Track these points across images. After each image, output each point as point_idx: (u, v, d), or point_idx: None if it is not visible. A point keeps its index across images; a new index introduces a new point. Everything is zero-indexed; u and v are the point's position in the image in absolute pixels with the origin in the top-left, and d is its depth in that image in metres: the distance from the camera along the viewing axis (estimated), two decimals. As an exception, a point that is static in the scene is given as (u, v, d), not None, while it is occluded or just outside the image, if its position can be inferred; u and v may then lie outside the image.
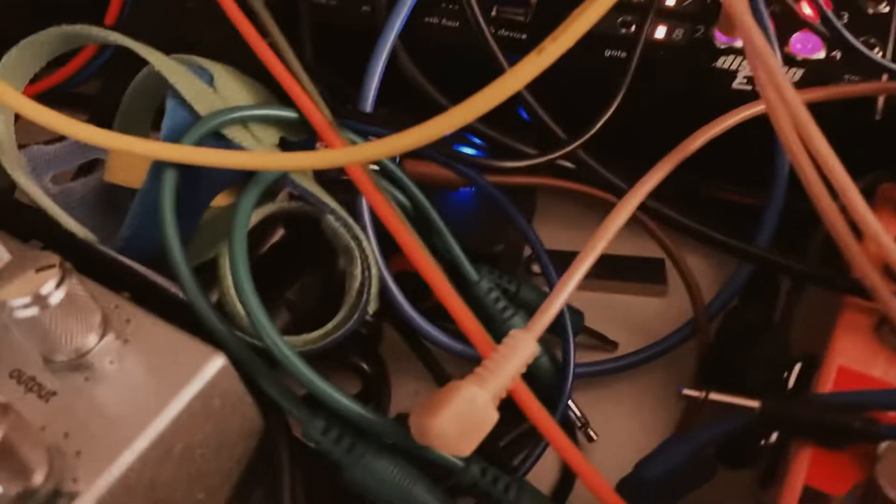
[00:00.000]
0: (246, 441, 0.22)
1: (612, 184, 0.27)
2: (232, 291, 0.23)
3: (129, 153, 0.23)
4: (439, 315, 0.29)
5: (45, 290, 0.18)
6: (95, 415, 0.19)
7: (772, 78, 0.22)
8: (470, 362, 0.28)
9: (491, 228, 0.31)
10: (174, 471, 0.20)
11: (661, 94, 0.32)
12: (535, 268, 0.34)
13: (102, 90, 0.32)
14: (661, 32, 0.32)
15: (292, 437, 0.23)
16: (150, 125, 0.28)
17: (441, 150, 0.28)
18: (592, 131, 0.26)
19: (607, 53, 0.32)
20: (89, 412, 0.19)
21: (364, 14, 0.35)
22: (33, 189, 0.23)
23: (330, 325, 0.24)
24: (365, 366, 0.27)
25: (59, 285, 0.18)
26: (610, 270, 0.33)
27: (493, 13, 0.34)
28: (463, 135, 0.31)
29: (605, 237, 0.24)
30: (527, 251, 0.34)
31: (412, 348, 0.29)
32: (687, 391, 0.22)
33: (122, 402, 0.19)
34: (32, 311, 0.18)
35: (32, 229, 0.25)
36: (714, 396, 0.22)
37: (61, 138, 0.27)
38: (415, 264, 0.24)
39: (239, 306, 0.23)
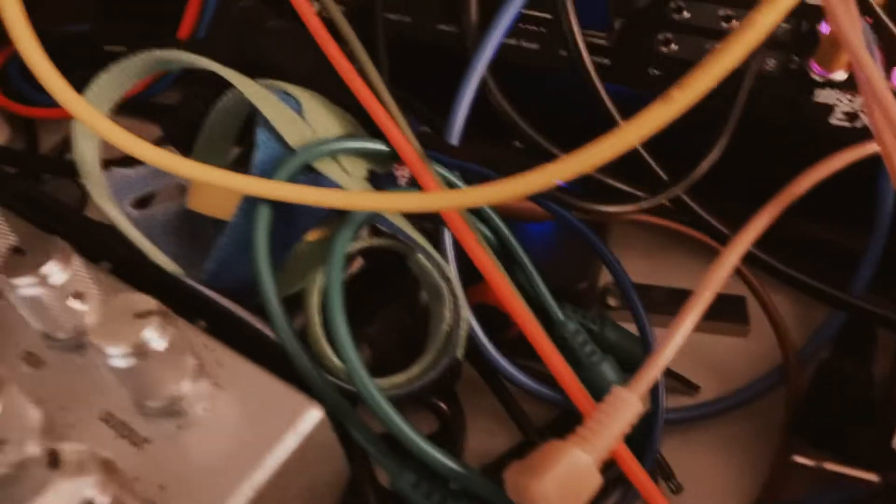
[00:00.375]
0: (333, 491, 0.21)
1: (715, 228, 0.25)
2: (318, 329, 0.22)
3: (225, 188, 0.22)
4: (516, 350, 0.28)
5: (145, 340, 0.18)
6: (190, 466, 0.18)
7: (891, 123, 0.21)
8: (549, 404, 0.28)
9: (573, 263, 0.30)
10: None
11: (752, 129, 0.31)
12: (611, 301, 0.33)
13: (182, 104, 0.31)
14: (752, 61, 0.31)
15: (378, 486, 0.22)
16: (231, 146, 0.28)
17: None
18: (699, 174, 0.25)
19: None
20: (184, 463, 0.18)
21: (440, 32, 0.35)
22: (119, 218, 0.23)
23: (417, 370, 0.23)
24: (443, 405, 0.26)
25: (159, 334, 0.18)
26: (681, 306, 0.32)
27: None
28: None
29: (711, 289, 0.23)
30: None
31: (490, 386, 0.28)
32: (800, 459, 0.21)
33: (217, 453, 0.18)
34: (131, 362, 0.18)
35: (103, 249, 0.24)
36: (830, 467, 0.20)
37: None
38: (505, 306, 0.23)
39: (323, 343, 0.22)
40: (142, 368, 0.18)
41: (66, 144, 0.36)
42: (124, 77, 0.23)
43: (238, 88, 0.24)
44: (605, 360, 0.26)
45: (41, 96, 0.36)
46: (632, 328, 0.28)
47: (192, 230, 0.26)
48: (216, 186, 0.23)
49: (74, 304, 0.20)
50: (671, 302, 0.32)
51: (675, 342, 0.21)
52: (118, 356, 0.18)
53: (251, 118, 0.28)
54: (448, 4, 0.35)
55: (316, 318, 0.22)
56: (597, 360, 0.26)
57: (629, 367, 0.27)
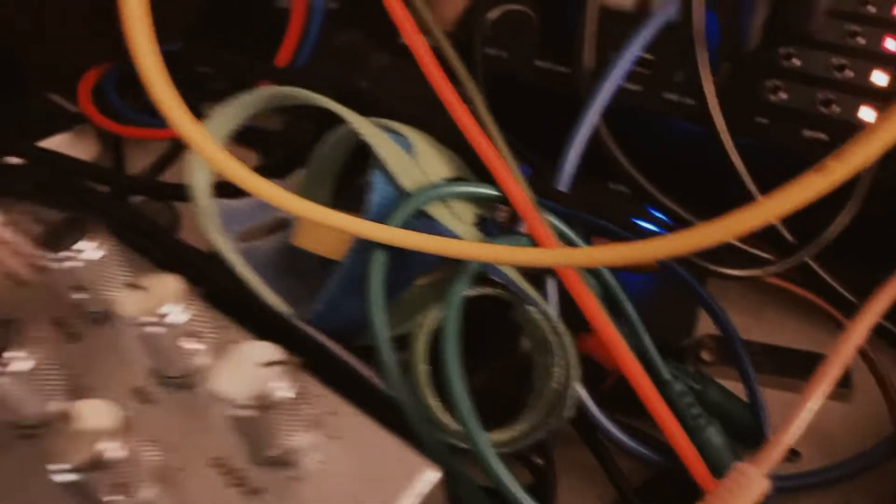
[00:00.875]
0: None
1: (841, 296, 0.24)
2: (423, 377, 0.22)
3: (338, 229, 0.21)
4: (609, 404, 0.27)
5: (269, 392, 0.17)
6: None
7: None
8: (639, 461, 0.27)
9: (672, 316, 0.29)
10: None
11: (883, 193, 0.29)
12: (705, 355, 0.31)
13: (285, 136, 0.31)
14: (867, 114, 0.30)
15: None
16: (334, 182, 0.27)
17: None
18: (827, 238, 0.24)
19: (806, 134, 0.30)
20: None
21: (538, 69, 0.34)
22: (229, 251, 0.23)
23: (524, 427, 0.22)
24: (539, 460, 0.26)
25: (285, 386, 0.17)
26: (783, 365, 0.31)
27: (678, 79, 0.32)
28: (645, 209, 0.29)
29: (840, 361, 0.21)
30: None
31: (586, 442, 0.27)
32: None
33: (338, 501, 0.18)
34: (252, 412, 0.17)
35: (199, 277, 0.24)
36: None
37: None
38: (618, 363, 0.22)
39: (426, 391, 0.22)
40: (261, 419, 0.17)
41: (158, 166, 0.36)
42: (241, 111, 0.23)
43: (349, 126, 0.24)
44: (711, 425, 0.25)
45: (137, 115, 0.37)
46: (729, 384, 0.27)
47: (293, 266, 0.26)
48: (321, 225, 0.23)
49: (190, 343, 0.20)
50: (771, 360, 0.30)
51: (802, 418, 0.20)
52: (239, 406, 0.17)
53: (355, 154, 0.28)
54: (547, 41, 0.35)
55: (421, 366, 0.22)
56: (703, 424, 0.25)
57: (733, 430, 0.26)
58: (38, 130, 0.39)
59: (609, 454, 0.27)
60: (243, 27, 0.42)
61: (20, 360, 0.19)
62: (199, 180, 0.23)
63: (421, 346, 0.22)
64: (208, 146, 0.21)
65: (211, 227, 0.23)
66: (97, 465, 0.16)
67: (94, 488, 0.17)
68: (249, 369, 0.17)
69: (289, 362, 0.18)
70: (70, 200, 0.25)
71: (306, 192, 0.26)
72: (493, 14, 0.36)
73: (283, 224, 0.27)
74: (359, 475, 0.19)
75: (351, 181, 0.28)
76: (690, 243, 0.18)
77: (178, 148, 0.36)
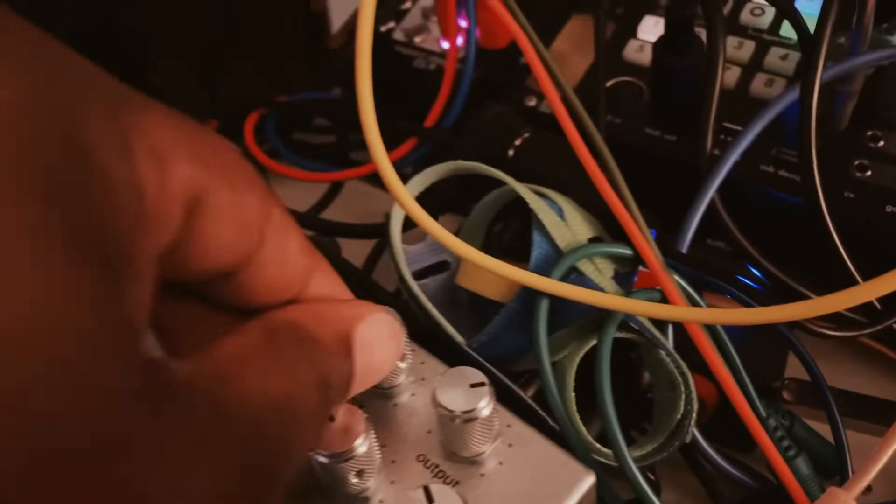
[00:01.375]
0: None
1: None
2: (571, 401, 0.27)
3: (505, 277, 0.27)
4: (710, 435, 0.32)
5: (477, 407, 0.23)
6: (494, 506, 0.23)
7: None
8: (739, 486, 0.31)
9: (764, 360, 0.33)
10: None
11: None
12: (787, 395, 0.36)
13: (442, 189, 0.36)
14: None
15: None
16: (483, 234, 0.33)
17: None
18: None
19: (888, 209, 0.35)
20: (489, 502, 0.23)
21: (647, 135, 0.39)
22: (418, 291, 0.28)
23: (650, 448, 0.27)
24: (651, 475, 0.30)
25: (486, 403, 0.23)
26: (859, 410, 0.35)
27: (773, 153, 0.37)
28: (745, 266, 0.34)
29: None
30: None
31: (689, 464, 0.32)
32: None
33: (514, 498, 0.23)
34: (459, 422, 0.23)
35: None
36: None
37: (421, 238, 0.31)
38: (733, 401, 0.27)
39: (575, 414, 0.27)
40: (467, 428, 0.23)
41: (318, 207, 0.42)
42: (430, 176, 0.29)
43: (505, 189, 0.29)
44: (799, 456, 0.29)
45: (294, 158, 0.43)
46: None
47: (453, 300, 0.31)
48: (490, 272, 0.28)
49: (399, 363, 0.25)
50: (849, 404, 0.35)
51: (885, 454, 0.25)
52: (454, 417, 0.22)
53: (501, 212, 0.33)
54: (656, 111, 0.40)
55: (571, 394, 0.27)
56: (792, 455, 0.29)
57: (814, 463, 0.31)
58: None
59: (709, 475, 0.31)
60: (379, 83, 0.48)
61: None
62: (395, 230, 0.28)
63: (571, 376, 0.27)
64: (408, 199, 0.27)
65: (403, 267, 0.28)
66: (350, 455, 0.22)
67: (345, 472, 0.22)
68: (464, 388, 0.23)
69: (487, 384, 0.23)
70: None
71: (465, 240, 0.31)
72: (608, 83, 0.41)
73: (443, 266, 0.32)
74: (530, 477, 0.24)
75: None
76: (806, 311, 0.23)
77: (334, 191, 0.42)
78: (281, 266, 0.19)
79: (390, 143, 0.40)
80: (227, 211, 0.17)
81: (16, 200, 0.12)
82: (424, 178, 0.29)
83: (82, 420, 0.12)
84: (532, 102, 0.41)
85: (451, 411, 0.22)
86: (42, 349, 0.12)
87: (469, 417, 0.23)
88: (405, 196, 0.26)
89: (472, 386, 0.23)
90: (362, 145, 0.45)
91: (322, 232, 0.37)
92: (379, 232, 0.39)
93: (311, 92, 0.49)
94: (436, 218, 0.34)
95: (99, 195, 0.13)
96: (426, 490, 0.21)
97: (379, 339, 0.20)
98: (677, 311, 0.26)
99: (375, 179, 0.43)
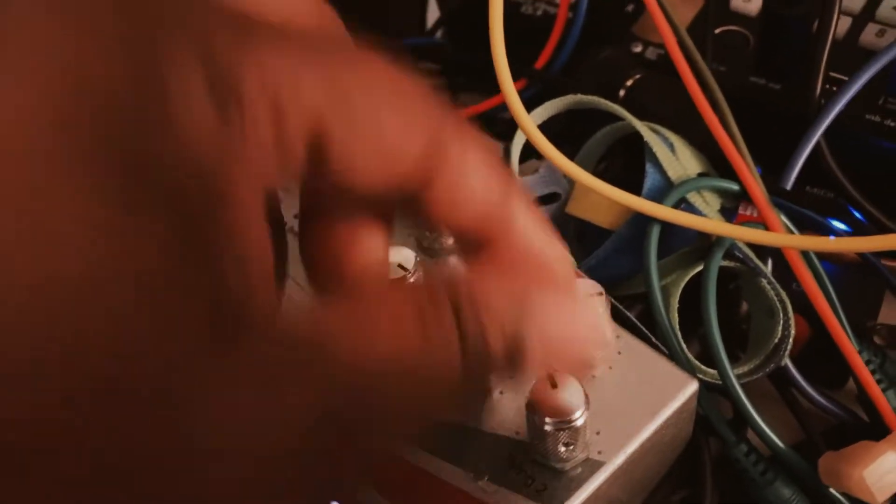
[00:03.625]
0: (678, 450, 0.28)
1: None
2: (675, 322, 0.29)
3: (620, 204, 0.29)
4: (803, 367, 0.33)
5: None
6: (605, 407, 0.25)
7: None
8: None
9: (859, 302, 0.35)
10: (647, 462, 0.26)
11: None
12: (877, 339, 0.37)
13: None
14: None
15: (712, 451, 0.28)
16: (594, 165, 0.35)
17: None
18: None
19: None
20: (599, 402, 0.25)
21: (752, 84, 0.40)
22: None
23: (745, 369, 0.29)
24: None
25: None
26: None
27: (881, 102, 0.38)
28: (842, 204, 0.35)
29: None
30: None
31: (780, 393, 0.33)
32: None
33: (622, 399, 0.25)
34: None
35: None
36: None
37: (536, 170, 0.34)
38: (838, 341, 0.29)
39: (671, 334, 0.29)
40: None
41: None
42: (550, 109, 0.31)
43: (620, 125, 0.31)
44: (890, 388, 0.31)
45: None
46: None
47: (559, 231, 0.33)
48: (598, 197, 0.30)
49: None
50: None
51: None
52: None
53: (612, 147, 0.35)
54: (762, 61, 0.41)
55: (675, 316, 0.29)
56: (884, 387, 0.31)
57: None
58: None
59: (799, 404, 0.33)
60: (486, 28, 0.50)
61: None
62: (514, 157, 0.31)
63: (676, 299, 0.29)
64: (531, 126, 0.29)
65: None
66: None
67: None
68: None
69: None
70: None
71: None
72: (715, 31, 0.42)
73: (552, 198, 0.34)
74: (637, 381, 0.26)
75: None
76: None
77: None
78: (459, 207, 0.16)
79: (496, 88, 0.42)
80: (363, 150, 0.15)
81: (82, 168, 0.12)
82: (545, 111, 0.31)
83: (143, 366, 0.12)
84: (638, 49, 0.43)
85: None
86: (107, 296, 0.12)
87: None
88: (529, 123, 0.28)
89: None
90: (466, 88, 0.48)
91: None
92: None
93: (416, 37, 0.52)
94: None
95: (172, 147, 0.13)
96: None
97: (567, 325, 0.16)
98: (784, 238, 0.28)
99: (477, 124, 0.45)
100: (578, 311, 0.17)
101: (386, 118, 0.15)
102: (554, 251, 0.18)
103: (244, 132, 0.14)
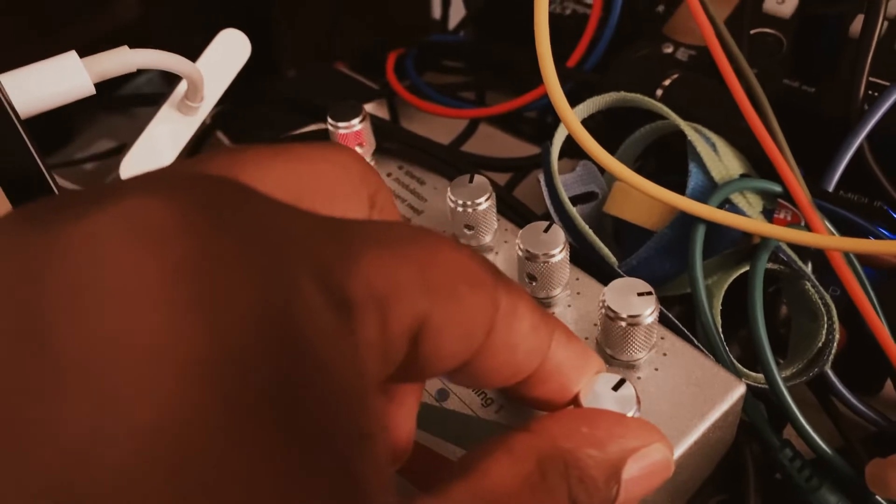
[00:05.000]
0: (721, 453, 0.27)
1: None
2: (718, 322, 0.29)
3: (663, 203, 0.28)
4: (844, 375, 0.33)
5: (643, 313, 0.24)
6: (652, 408, 0.25)
7: None
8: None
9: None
10: (691, 465, 0.25)
11: None
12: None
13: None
14: None
15: (754, 451, 0.28)
16: (633, 163, 0.34)
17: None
18: None
19: None
20: (645, 404, 0.25)
21: (785, 86, 0.40)
22: (576, 214, 0.30)
23: (791, 372, 0.29)
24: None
25: (651, 311, 0.25)
26: None
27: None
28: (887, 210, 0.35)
29: None
30: None
31: (819, 400, 0.33)
32: None
33: (668, 401, 0.25)
34: (623, 324, 0.25)
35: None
36: None
37: (572, 168, 0.33)
38: (883, 344, 0.28)
39: (716, 335, 0.29)
40: (631, 332, 0.25)
41: (457, 143, 0.44)
42: (591, 107, 0.31)
43: (660, 124, 0.31)
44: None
45: (436, 95, 0.45)
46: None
47: (596, 230, 0.33)
48: (636, 197, 0.30)
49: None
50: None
51: None
52: (622, 321, 0.24)
53: (650, 146, 0.35)
54: (796, 63, 0.40)
55: (718, 317, 0.29)
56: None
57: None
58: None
59: (839, 411, 0.33)
60: (512, 26, 0.49)
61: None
62: (554, 153, 0.30)
63: (719, 301, 0.28)
64: (575, 121, 0.28)
65: (561, 190, 0.30)
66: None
67: None
68: (632, 296, 0.25)
69: (654, 293, 0.25)
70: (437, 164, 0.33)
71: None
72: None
73: (590, 197, 0.34)
74: (684, 383, 0.26)
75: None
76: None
77: (472, 128, 0.44)
78: (511, 350, 0.18)
79: (521, 86, 0.41)
80: (451, 327, 0.16)
81: (253, 438, 0.11)
82: (586, 108, 0.30)
83: None
84: (669, 50, 0.42)
85: (617, 314, 0.24)
86: None
87: (634, 322, 0.25)
88: (573, 119, 0.28)
89: (640, 294, 0.25)
90: (493, 85, 0.47)
91: (466, 164, 0.39)
92: (516, 166, 0.41)
93: (439, 34, 0.51)
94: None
95: (322, 388, 0.13)
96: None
97: (647, 474, 0.19)
98: (831, 239, 0.27)
99: (502, 123, 0.45)
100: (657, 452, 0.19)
101: (466, 298, 0.16)
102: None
103: (360, 338, 0.14)
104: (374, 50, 0.50)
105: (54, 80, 0.23)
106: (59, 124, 0.55)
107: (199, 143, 0.47)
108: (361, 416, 0.13)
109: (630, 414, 0.22)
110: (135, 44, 0.28)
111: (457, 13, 0.56)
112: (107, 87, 0.27)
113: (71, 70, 0.24)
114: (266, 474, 0.11)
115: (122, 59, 0.25)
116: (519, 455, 0.17)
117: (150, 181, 0.14)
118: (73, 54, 0.24)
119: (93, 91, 0.25)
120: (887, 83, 0.36)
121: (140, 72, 0.29)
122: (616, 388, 0.21)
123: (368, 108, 0.49)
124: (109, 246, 0.12)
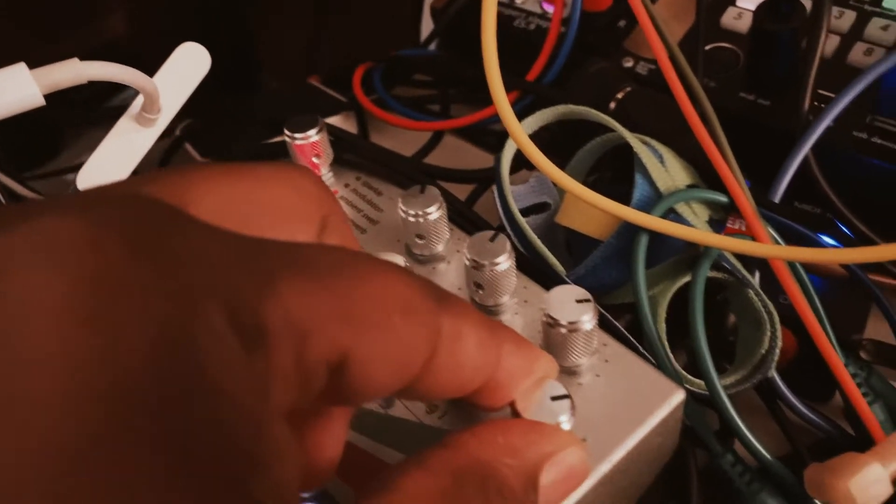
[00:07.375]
0: (664, 460, 0.28)
1: None
2: (663, 332, 0.29)
3: (609, 213, 0.29)
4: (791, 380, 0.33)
5: (581, 319, 0.25)
6: (591, 414, 0.25)
7: None
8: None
9: (846, 316, 0.35)
10: (632, 471, 0.26)
11: None
12: (863, 354, 0.37)
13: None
14: None
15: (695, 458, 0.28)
16: (584, 176, 0.35)
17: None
18: None
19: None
20: (585, 410, 0.25)
21: (741, 99, 0.41)
22: (524, 224, 0.31)
23: (734, 380, 0.29)
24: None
25: (590, 318, 0.25)
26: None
27: (868, 120, 0.38)
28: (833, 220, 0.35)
29: None
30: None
31: (767, 406, 0.33)
32: None
33: (607, 410, 0.25)
34: (562, 331, 0.25)
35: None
36: None
37: (525, 181, 0.34)
38: (824, 354, 0.29)
39: (664, 342, 0.29)
40: (571, 338, 0.25)
41: (420, 155, 0.45)
42: (540, 119, 0.31)
43: (610, 136, 0.31)
44: (876, 402, 0.31)
45: (400, 108, 0.45)
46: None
47: (549, 240, 0.33)
48: (586, 208, 0.30)
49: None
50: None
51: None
52: (557, 324, 0.25)
53: (601, 159, 0.35)
54: (752, 77, 0.41)
55: (662, 326, 0.29)
56: (870, 400, 0.31)
57: (888, 411, 0.32)
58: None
59: (786, 418, 0.33)
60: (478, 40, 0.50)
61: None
62: (505, 165, 0.31)
63: (663, 309, 0.29)
64: (522, 135, 0.29)
65: (512, 202, 0.31)
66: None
67: None
68: (571, 303, 0.25)
69: (592, 300, 0.25)
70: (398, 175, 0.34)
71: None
72: (706, 48, 0.43)
73: (542, 207, 0.35)
74: (624, 389, 0.26)
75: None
76: (884, 254, 0.25)
77: (435, 141, 0.45)
78: (457, 370, 0.18)
79: (488, 99, 0.42)
80: (380, 358, 0.16)
81: (134, 458, 0.11)
82: (536, 120, 0.31)
83: None
84: (629, 63, 0.43)
85: (556, 321, 0.25)
86: None
87: (573, 328, 0.25)
88: (521, 132, 0.28)
89: (578, 301, 0.25)
90: (459, 99, 0.48)
91: (426, 176, 0.39)
92: (476, 178, 0.41)
93: (411, 49, 0.52)
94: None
95: (214, 413, 0.13)
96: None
97: (564, 478, 0.19)
98: (771, 248, 0.28)
99: (469, 135, 0.46)
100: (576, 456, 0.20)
101: (399, 328, 0.16)
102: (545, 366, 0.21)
103: (270, 366, 0.14)
104: (346, 64, 0.51)
105: (2, 92, 0.23)
106: (47, 137, 0.55)
107: (168, 156, 0.48)
108: (259, 443, 0.13)
109: (563, 420, 0.23)
110: (124, 60, 0.28)
111: (428, 26, 0.56)
112: (94, 100, 0.27)
113: (20, 81, 0.24)
114: (147, 494, 0.11)
115: (72, 71, 0.26)
116: (434, 470, 0.17)
117: (72, 201, 0.14)
118: (22, 66, 0.25)
119: (42, 102, 0.25)
120: (837, 97, 0.37)
121: (126, 86, 0.29)
122: (555, 398, 0.22)
123: (336, 120, 0.49)
124: (17, 260, 0.13)
